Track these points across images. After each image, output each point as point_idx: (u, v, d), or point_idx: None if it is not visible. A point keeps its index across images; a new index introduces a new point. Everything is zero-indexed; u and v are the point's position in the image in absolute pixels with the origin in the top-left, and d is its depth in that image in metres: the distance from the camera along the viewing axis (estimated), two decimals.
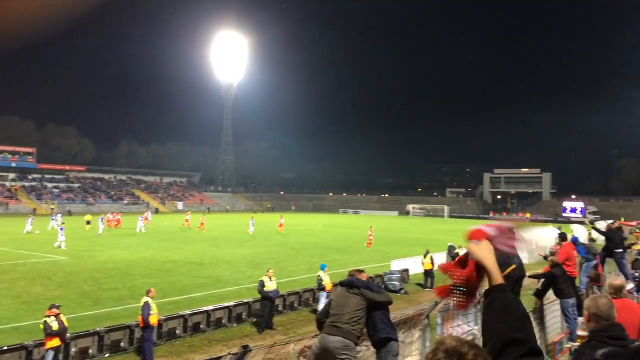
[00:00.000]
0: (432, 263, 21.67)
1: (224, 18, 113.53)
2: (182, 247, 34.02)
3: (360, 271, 6.96)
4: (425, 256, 21.93)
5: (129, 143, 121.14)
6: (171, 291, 19.46)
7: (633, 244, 17.08)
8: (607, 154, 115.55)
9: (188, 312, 14.52)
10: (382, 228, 39.98)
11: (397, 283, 20.53)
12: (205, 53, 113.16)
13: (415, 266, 23.15)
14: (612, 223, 14.12)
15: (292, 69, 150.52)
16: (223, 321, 15.06)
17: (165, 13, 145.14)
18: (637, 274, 11.71)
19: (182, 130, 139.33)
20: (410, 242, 39.96)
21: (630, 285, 11.62)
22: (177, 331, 13.90)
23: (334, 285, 14.34)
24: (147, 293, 12.54)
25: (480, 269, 1.79)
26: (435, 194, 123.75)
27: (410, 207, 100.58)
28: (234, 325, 15.24)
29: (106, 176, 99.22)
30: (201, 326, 14.49)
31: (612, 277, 10.14)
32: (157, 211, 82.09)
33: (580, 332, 5.49)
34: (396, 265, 23.12)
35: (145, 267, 25.00)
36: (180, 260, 27.64)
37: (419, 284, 21.97)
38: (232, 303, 15.74)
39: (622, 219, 54.35)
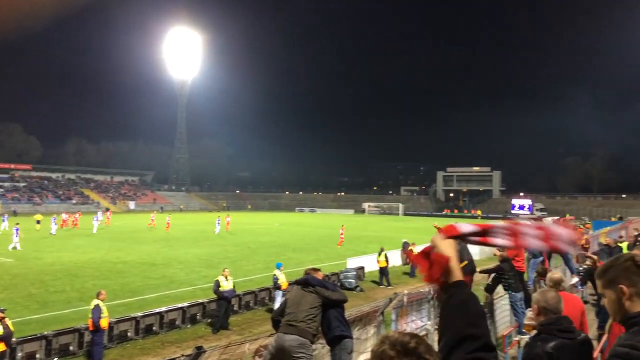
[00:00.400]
0: (387, 261, 22.02)
1: (177, 14, 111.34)
2: (135, 247, 33.22)
3: (316, 270, 7.01)
4: (380, 254, 22.22)
5: (78, 141, 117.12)
6: (123, 293, 18.99)
7: None
8: (553, 153, 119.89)
9: (140, 314, 14.19)
10: (338, 226, 40.19)
11: (353, 281, 20.75)
12: (157, 49, 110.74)
13: (371, 264, 23.43)
14: (558, 219, 14.67)
15: (247, 67, 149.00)
16: (177, 322, 14.80)
17: (116, 6, 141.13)
18: (582, 268, 12.18)
19: (134, 127, 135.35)
20: (365, 239, 40.31)
21: (575, 280, 12.11)
22: (129, 334, 13.57)
23: (290, 284, 14.33)
24: (98, 295, 12.22)
25: (439, 263, 1.80)
26: (390, 192, 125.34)
27: (365, 205, 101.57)
28: (188, 326, 15.00)
29: (54, 175, 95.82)
30: (154, 328, 14.19)
31: (558, 272, 10.51)
32: (107, 211, 79.81)
33: (527, 322, 5.68)
34: (352, 263, 23.36)
35: (95, 269, 24.28)
36: (132, 261, 26.99)
37: (374, 282, 22.24)
38: (186, 304, 15.48)
39: (568, 216, 56.64)
